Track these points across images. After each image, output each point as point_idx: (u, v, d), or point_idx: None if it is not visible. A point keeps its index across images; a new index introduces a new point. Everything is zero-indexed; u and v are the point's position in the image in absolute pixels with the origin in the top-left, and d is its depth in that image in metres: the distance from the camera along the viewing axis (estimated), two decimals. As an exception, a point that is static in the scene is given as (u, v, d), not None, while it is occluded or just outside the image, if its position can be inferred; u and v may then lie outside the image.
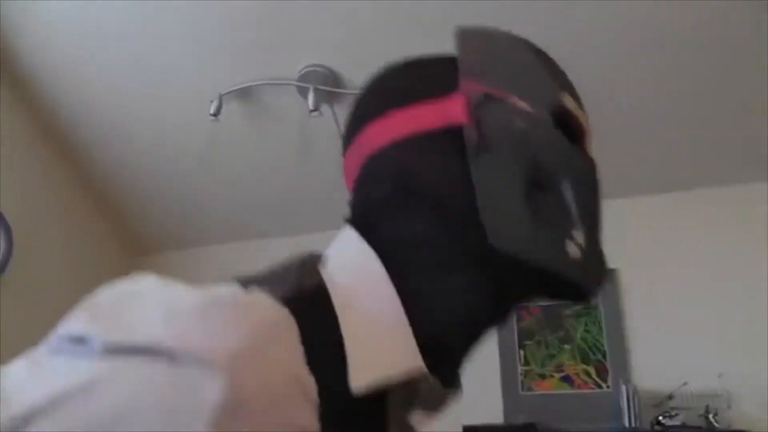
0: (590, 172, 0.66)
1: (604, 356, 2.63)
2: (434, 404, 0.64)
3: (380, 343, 0.57)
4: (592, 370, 2.63)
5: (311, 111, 2.46)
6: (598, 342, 2.65)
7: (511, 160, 0.62)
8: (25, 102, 2.81)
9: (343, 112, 2.63)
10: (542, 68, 0.67)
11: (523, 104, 0.64)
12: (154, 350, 0.44)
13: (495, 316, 0.64)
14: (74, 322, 0.47)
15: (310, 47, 2.45)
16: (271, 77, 2.53)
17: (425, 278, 0.61)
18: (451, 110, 0.64)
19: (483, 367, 2.65)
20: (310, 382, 0.50)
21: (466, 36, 0.70)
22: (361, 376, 0.54)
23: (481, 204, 0.61)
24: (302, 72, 2.50)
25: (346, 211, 0.68)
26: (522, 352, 2.72)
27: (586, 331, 2.67)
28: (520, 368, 2.71)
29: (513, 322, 2.73)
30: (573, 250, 0.61)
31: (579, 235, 0.62)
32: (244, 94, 2.60)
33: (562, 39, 2.07)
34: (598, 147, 0.76)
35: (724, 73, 2.27)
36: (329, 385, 0.51)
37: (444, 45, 0.74)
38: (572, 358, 2.66)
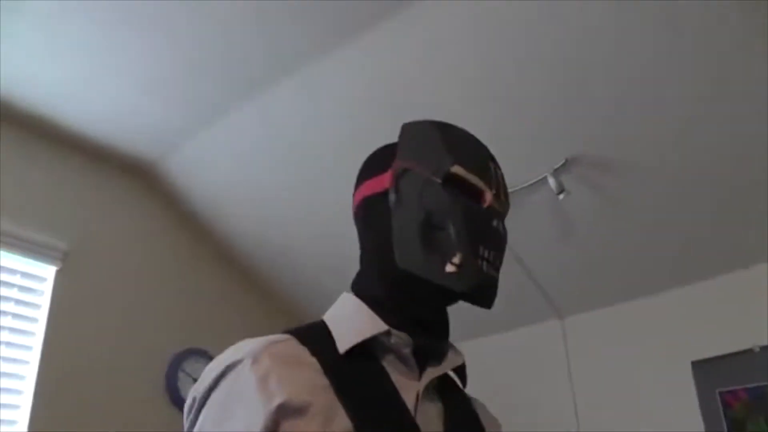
0: (474, 216, 0.96)
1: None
2: (435, 360, 0.96)
3: (352, 326, 0.94)
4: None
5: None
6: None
7: (412, 211, 0.97)
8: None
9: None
10: (442, 147, 1.00)
11: (422, 172, 0.98)
12: (220, 373, 0.88)
13: (422, 306, 0.97)
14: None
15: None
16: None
17: (371, 290, 0.99)
18: (386, 180, 1.01)
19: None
20: (309, 357, 0.88)
21: (404, 128, 1.06)
22: (342, 344, 0.90)
23: (394, 240, 0.98)
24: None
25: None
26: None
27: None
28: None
29: (720, 412, 2.49)
30: (450, 267, 0.93)
31: (457, 258, 0.93)
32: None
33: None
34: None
35: None
36: (329, 356, 0.89)
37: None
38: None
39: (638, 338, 2.80)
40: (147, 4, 2.14)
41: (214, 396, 0.88)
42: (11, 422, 2.43)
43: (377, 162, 1.06)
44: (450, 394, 1.01)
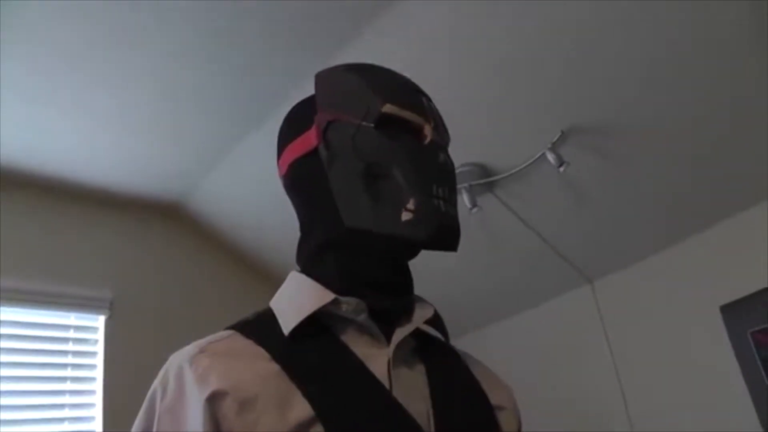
0: (419, 154, 0.89)
1: None
2: (403, 320, 0.90)
3: (296, 305, 0.87)
4: None
5: (470, 209, 2.61)
6: None
7: (349, 163, 0.88)
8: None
9: (504, 195, 2.69)
10: (366, 88, 0.91)
11: (351, 119, 0.89)
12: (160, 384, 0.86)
13: (379, 266, 0.91)
14: None
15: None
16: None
17: (316, 260, 0.92)
18: (311, 138, 0.92)
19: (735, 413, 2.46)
20: (255, 348, 0.83)
21: (319, 78, 0.97)
22: (287, 326, 0.85)
23: (336, 199, 0.89)
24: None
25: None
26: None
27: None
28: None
29: (753, 352, 2.49)
30: (405, 215, 0.85)
31: (411, 203, 0.85)
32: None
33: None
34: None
35: None
36: (277, 342, 0.84)
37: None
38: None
39: (666, 289, 2.82)
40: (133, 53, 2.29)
41: (161, 408, 0.82)
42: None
43: (297, 122, 0.97)
44: (435, 354, 0.93)
